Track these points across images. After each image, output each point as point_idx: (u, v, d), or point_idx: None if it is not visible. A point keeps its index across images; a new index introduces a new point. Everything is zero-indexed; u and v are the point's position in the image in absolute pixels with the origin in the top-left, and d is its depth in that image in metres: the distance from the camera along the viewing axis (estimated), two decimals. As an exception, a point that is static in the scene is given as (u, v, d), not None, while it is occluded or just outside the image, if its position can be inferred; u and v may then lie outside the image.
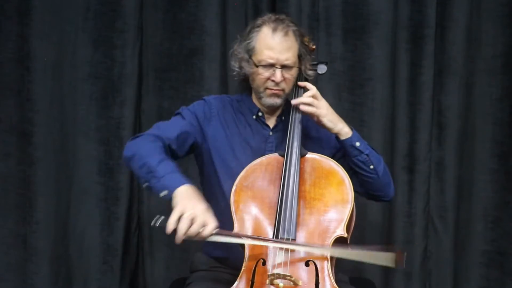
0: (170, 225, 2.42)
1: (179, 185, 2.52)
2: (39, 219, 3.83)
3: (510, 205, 3.71)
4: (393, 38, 3.75)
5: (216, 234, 2.49)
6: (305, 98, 2.79)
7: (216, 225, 2.47)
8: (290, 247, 2.57)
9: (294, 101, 2.80)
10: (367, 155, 2.80)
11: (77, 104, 3.84)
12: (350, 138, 2.79)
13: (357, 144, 2.79)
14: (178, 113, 2.91)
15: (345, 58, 3.77)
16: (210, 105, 2.93)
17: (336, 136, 2.81)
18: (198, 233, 2.44)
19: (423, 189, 3.77)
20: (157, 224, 2.45)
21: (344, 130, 2.79)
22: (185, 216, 2.42)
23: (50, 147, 3.83)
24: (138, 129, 3.86)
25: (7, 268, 3.87)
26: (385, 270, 3.82)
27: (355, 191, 2.79)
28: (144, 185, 2.63)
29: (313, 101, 2.78)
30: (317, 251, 2.59)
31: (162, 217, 2.45)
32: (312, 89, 2.81)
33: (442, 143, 3.78)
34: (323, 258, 2.58)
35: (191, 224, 2.43)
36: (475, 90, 3.74)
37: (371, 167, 2.80)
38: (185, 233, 2.42)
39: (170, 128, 2.83)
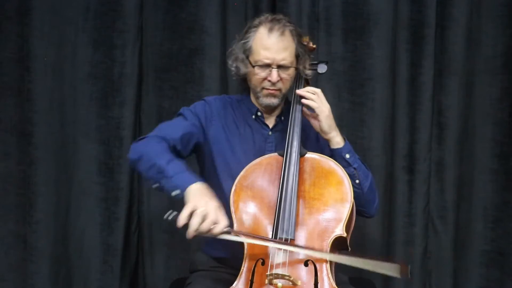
0: (182, 220, 2.43)
1: (191, 183, 2.54)
2: (39, 219, 3.83)
3: (510, 205, 3.71)
4: (393, 38, 3.75)
5: (227, 232, 2.50)
6: (309, 93, 2.80)
7: (227, 223, 2.49)
8: (292, 249, 2.57)
9: (299, 91, 2.81)
10: (354, 168, 2.80)
11: (77, 104, 3.84)
12: (341, 148, 2.80)
13: (347, 156, 2.80)
14: (180, 114, 2.91)
15: (345, 58, 3.77)
16: (210, 105, 2.94)
17: (328, 144, 2.81)
18: (209, 230, 2.45)
19: (423, 189, 3.77)
20: (170, 218, 2.46)
21: (336, 139, 2.80)
22: (197, 212, 2.43)
23: (50, 147, 3.83)
24: (138, 129, 3.87)
25: (7, 268, 3.87)
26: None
27: None
28: (154, 186, 2.64)
29: (316, 98, 2.78)
30: (318, 255, 2.59)
31: (175, 212, 2.46)
32: (316, 89, 2.82)
33: (442, 143, 3.78)
34: (323, 258, 2.59)
35: (203, 220, 2.44)
36: (475, 90, 3.74)
37: (357, 181, 2.79)
38: (197, 229, 2.43)
39: (174, 129, 2.83)
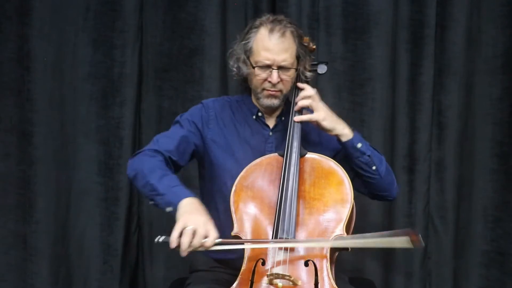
0: (173, 242, 2.47)
1: (181, 199, 2.56)
2: (39, 219, 3.83)
3: (510, 205, 3.71)
4: (393, 38, 3.75)
5: (218, 244, 2.52)
6: (301, 102, 2.79)
7: (217, 236, 2.51)
8: (289, 245, 2.58)
9: (296, 119, 2.80)
10: (369, 156, 2.80)
11: (77, 104, 3.84)
12: (351, 139, 2.79)
13: (359, 145, 2.79)
14: (177, 122, 2.92)
15: (345, 58, 3.77)
16: (207, 108, 2.94)
17: (338, 138, 2.80)
18: (201, 245, 2.48)
19: (423, 189, 3.77)
20: (160, 241, 2.52)
21: (344, 131, 2.79)
22: (186, 230, 2.46)
23: (50, 147, 3.83)
24: (138, 129, 3.87)
25: (7, 268, 3.87)
26: (385, 269, 3.82)
27: (359, 192, 2.81)
28: (150, 202, 2.68)
29: (311, 103, 2.78)
30: (322, 244, 2.60)
31: (164, 236, 2.51)
32: (311, 91, 2.81)
33: (442, 143, 3.77)
34: (323, 257, 2.59)
35: (193, 237, 2.46)
36: (475, 90, 3.74)
37: (374, 168, 2.80)
38: (188, 247, 2.46)
39: (169, 140, 2.84)
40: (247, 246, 2.61)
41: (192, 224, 2.46)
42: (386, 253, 3.80)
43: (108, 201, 3.85)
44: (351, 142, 2.79)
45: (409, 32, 3.72)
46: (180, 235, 2.46)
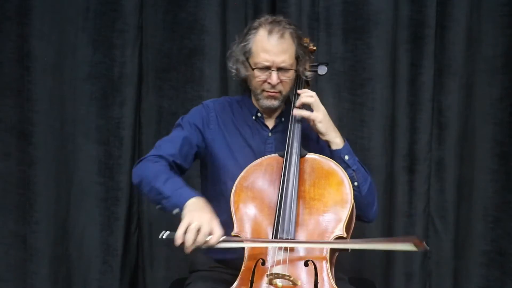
0: (178, 239, 2.47)
1: (187, 200, 2.58)
2: (39, 219, 3.83)
3: (510, 205, 3.71)
4: (393, 38, 3.74)
5: (223, 241, 2.53)
6: (305, 97, 2.80)
7: (222, 233, 2.52)
8: (293, 245, 2.58)
9: (295, 112, 2.80)
10: (353, 170, 2.78)
11: (77, 104, 3.84)
12: (340, 150, 2.78)
13: (346, 157, 2.78)
14: (178, 125, 2.93)
15: (345, 58, 3.77)
16: (208, 109, 2.94)
17: (328, 145, 2.81)
18: (205, 242, 2.49)
19: (423, 189, 3.77)
20: (164, 237, 2.52)
21: (336, 140, 2.79)
22: (191, 227, 2.47)
23: (50, 147, 3.83)
24: (138, 129, 3.87)
25: (7, 268, 3.87)
26: (385, 270, 3.82)
27: None
28: (157, 207, 2.69)
29: (315, 101, 2.78)
30: (325, 246, 2.60)
31: (168, 232, 2.51)
32: (312, 92, 2.82)
33: (442, 143, 3.77)
34: (322, 257, 2.59)
35: (198, 234, 2.47)
36: (475, 90, 3.73)
37: (355, 183, 2.77)
38: (192, 243, 2.47)
39: (171, 144, 2.85)
40: (249, 245, 2.61)
41: (196, 221, 2.48)
42: (386, 253, 3.80)
43: (108, 201, 3.85)
44: (339, 152, 2.78)
45: (409, 32, 3.72)
46: (185, 232, 2.47)
